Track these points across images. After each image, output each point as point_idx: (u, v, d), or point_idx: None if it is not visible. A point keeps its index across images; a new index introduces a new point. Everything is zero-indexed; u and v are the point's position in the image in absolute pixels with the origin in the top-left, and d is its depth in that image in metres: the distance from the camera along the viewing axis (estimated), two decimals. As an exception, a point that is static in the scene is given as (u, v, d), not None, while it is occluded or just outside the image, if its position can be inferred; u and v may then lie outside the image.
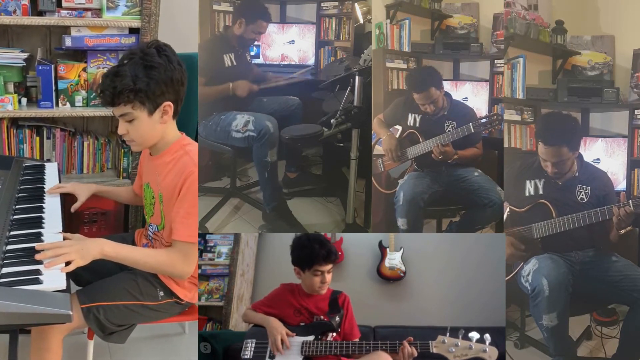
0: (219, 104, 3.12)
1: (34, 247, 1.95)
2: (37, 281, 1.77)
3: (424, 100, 2.84)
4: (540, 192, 2.58)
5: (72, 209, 2.41)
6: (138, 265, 2.16)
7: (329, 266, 2.20)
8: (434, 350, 2.02)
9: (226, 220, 3.11)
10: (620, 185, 2.68)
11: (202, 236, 3.05)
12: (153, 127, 2.17)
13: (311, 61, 3.73)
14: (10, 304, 1.65)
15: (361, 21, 3.34)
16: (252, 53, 3.44)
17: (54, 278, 1.81)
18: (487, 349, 1.99)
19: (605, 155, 2.70)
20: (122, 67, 2.10)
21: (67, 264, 1.90)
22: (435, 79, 2.84)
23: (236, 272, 2.97)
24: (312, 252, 2.17)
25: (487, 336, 2.01)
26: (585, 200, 2.52)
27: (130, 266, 2.18)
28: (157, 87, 2.09)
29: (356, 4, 3.32)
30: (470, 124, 2.73)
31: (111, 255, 2.06)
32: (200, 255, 3.03)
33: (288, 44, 3.70)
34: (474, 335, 2.00)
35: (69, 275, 1.86)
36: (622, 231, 2.44)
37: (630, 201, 2.39)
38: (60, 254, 1.91)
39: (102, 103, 2.18)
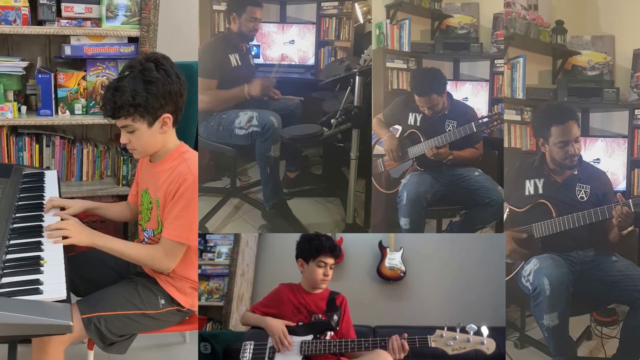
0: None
1: (34, 256, 1.98)
2: (37, 291, 1.78)
3: (423, 103, 2.85)
4: (540, 191, 2.58)
5: (55, 214, 2.36)
6: (123, 255, 2.25)
7: (333, 260, 2.26)
8: (433, 345, 2.05)
9: (226, 220, 3.11)
10: (620, 185, 2.67)
11: (202, 236, 3.05)
12: (153, 137, 2.24)
13: (311, 61, 3.71)
14: (10, 315, 1.64)
15: (361, 21, 3.32)
16: (253, 53, 3.42)
17: (54, 288, 1.81)
18: (484, 341, 2.02)
19: (605, 155, 2.70)
20: (122, 81, 2.15)
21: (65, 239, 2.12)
22: (438, 85, 2.84)
23: (236, 272, 2.97)
24: (319, 243, 2.25)
25: (485, 328, 2.04)
26: (585, 199, 2.52)
27: (116, 256, 2.26)
28: (156, 101, 2.15)
29: (356, 4, 3.30)
30: (472, 123, 2.73)
31: (100, 244, 2.20)
32: (200, 255, 3.03)
33: (288, 44, 3.69)
34: (472, 327, 2.03)
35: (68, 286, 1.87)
36: (624, 232, 2.45)
37: (630, 200, 2.40)
38: (61, 227, 2.13)
39: (103, 115, 2.23)
